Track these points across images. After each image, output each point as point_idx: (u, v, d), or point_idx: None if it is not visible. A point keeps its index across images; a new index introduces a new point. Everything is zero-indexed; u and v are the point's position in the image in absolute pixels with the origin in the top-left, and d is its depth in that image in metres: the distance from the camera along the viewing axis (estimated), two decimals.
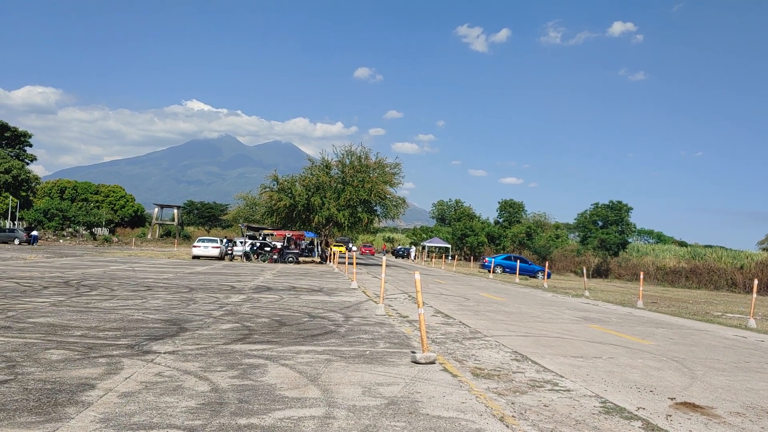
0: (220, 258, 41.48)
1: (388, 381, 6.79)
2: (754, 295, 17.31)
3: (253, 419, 5.10)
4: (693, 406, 6.61)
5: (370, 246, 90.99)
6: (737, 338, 13.48)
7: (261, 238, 45.09)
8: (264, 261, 40.62)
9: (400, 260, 73.03)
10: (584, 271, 33.42)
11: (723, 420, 6.12)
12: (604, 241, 59.06)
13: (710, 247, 77.96)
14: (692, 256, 62.35)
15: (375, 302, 15.54)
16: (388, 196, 47.94)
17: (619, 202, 61.35)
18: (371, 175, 46.82)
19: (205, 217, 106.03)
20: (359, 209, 47.69)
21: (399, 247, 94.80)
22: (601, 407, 6.33)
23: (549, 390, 6.99)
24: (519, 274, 39.26)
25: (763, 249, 66.08)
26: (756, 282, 18.27)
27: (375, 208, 49.67)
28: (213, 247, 41.45)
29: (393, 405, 5.80)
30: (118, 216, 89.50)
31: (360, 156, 48.07)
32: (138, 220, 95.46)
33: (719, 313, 20.36)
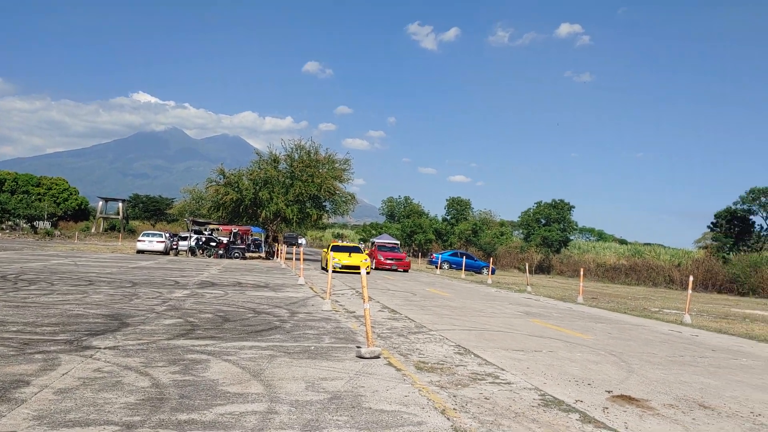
0: (165, 253, 40.78)
1: (332, 376, 6.81)
2: (690, 291, 17.91)
3: (193, 415, 5.05)
4: (629, 399, 6.82)
5: (397, 251, 41.68)
6: (673, 333, 13.94)
7: (207, 233, 44.46)
8: (209, 256, 40.13)
9: None
10: (527, 267, 34.05)
11: (657, 412, 6.33)
12: (547, 239, 60.34)
13: (649, 245, 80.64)
14: (632, 253, 64.32)
15: (322, 298, 15.53)
16: (337, 191, 47.84)
17: (562, 201, 62.84)
18: (321, 171, 46.62)
19: (150, 211, 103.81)
20: (308, 204, 47.42)
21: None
22: (540, 400, 6.47)
23: (490, 383, 7.11)
24: (465, 270, 39.74)
25: (700, 247, 68.47)
26: (691, 279, 18.91)
27: (324, 203, 49.49)
28: (158, 242, 40.77)
29: (336, 399, 5.82)
30: (61, 209, 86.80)
31: (309, 151, 47.82)
32: (81, 213, 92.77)
33: (656, 309, 21.00)
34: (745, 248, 55.81)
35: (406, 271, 37.59)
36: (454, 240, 74.69)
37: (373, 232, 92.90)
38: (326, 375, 6.83)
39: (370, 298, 15.30)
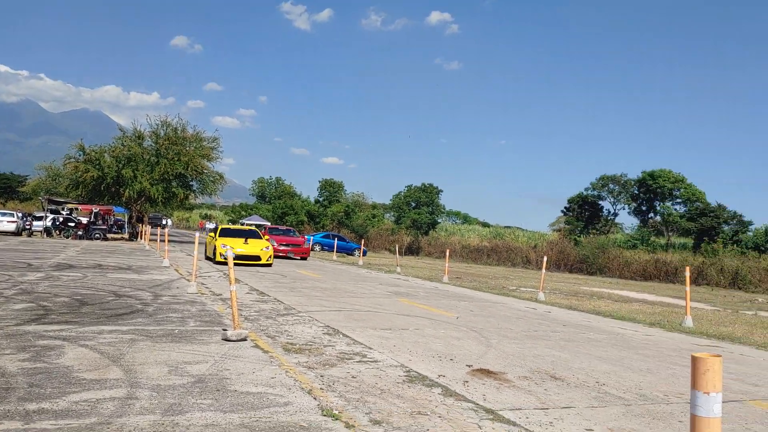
0: (17, 233, 38.13)
1: (196, 359, 6.66)
2: (543, 271, 19.06)
3: (44, 404, 4.77)
4: (487, 372, 7.17)
5: (293, 234, 35.48)
6: (528, 309, 14.79)
7: (65, 213, 41.94)
8: (67, 237, 37.96)
9: None
10: (397, 249, 34.81)
11: (512, 384, 6.69)
12: (416, 221, 62.06)
13: (509, 228, 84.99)
14: (493, 236, 67.53)
15: (187, 280, 15.07)
16: (205, 170, 46.55)
17: (431, 185, 64.85)
18: (188, 148, 45.08)
19: (0, 188, 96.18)
20: (174, 184, 45.77)
21: (216, 224, 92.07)
22: (405, 376, 6.66)
23: (357, 362, 7.24)
24: (337, 251, 40.00)
25: (554, 230, 73.07)
26: (546, 259, 20.17)
27: (191, 183, 48.00)
28: (8, 222, 38.15)
29: (200, 383, 5.70)
30: None
31: (176, 128, 46.02)
32: None
33: (514, 288, 22.15)
34: (594, 231, 60.17)
35: (304, 258, 31.85)
36: (326, 222, 74.88)
37: (243, 213, 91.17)
38: (190, 359, 6.67)
39: (237, 281, 15.11)
